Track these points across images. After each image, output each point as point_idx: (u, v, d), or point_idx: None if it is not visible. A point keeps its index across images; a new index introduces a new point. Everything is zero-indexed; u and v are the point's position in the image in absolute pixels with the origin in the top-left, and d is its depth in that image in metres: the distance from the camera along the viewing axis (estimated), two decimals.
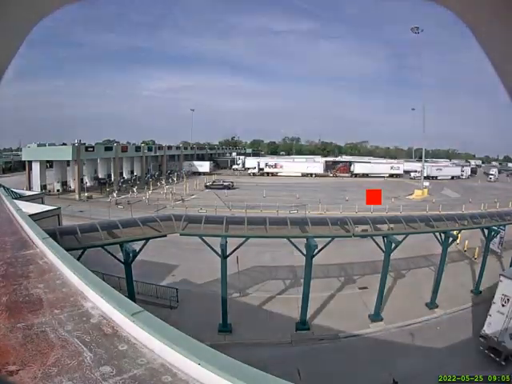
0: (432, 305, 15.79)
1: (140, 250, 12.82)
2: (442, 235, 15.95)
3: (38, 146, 46.31)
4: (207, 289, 16.12)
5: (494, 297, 12.98)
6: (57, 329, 2.89)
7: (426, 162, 55.95)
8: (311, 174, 63.50)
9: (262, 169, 64.89)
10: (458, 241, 19.27)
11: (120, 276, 14.08)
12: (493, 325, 12.56)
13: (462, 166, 70.21)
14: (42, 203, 19.35)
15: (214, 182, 49.91)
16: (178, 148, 71.49)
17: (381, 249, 14.71)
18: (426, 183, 48.49)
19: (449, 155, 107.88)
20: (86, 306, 3.30)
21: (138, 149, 56.57)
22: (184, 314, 14.60)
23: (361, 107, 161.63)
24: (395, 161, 75.07)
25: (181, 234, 13.72)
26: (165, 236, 13.52)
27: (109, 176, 51.38)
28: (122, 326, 2.86)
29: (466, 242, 21.80)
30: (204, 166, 68.08)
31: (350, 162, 69.41)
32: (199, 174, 64.24)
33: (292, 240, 13.77)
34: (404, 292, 16.92)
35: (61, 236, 10.96)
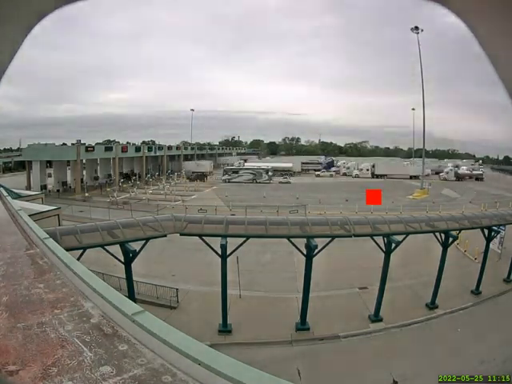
0: (432, 305, 15.78)
1: (140, 250, 12.83)
2: (442, 235, 15.96)
3: (38, 145, 46.36)
4: (207, 289, 16.12)
5: None
6: (57, 329, 2.88)
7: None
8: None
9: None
10: (457, 241, 19.24)
11: (120, 276, 14.08)
12: None
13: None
14: (42, 203, 19.36)
15: None
16: (178, 148, 71.54)
17: (381, 249, 14.71)
18: (426, 183, 48.46)
19: (449, 155, 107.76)
20: (86, 306, 3.30)
21: (138, 149, 56.68)
22: (184, 314, 14.59)
23: (360, 106, 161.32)
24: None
25: (181, 234, 13.73)
26: (165, 236, 13.53)
27: (109, 176, 51.41)
28: (122, 325, 2.85)
29: (466, 241, 21.77)
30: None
31: None
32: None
33: (292, 240, 13.77)
34: (404, 292, 16.90)
35: (61, 236, 10.98)
